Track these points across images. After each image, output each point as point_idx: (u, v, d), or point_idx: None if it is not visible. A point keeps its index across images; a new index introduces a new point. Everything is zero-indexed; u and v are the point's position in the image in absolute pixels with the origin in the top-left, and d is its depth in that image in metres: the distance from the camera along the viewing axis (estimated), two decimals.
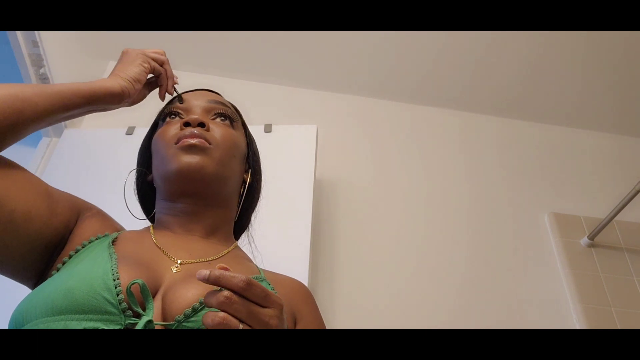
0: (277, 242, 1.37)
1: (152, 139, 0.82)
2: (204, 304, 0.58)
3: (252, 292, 0.51)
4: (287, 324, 0.57)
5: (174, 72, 0.88)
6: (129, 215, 0.83)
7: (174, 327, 0.57)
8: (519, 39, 2.02)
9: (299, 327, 0.72)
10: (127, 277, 0.60)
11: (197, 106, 0.80)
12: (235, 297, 0.50)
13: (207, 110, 0.80)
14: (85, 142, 1.82)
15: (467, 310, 1.74)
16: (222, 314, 0.50)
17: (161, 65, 0.85)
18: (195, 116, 0.77)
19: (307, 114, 2.12)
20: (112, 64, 2.16)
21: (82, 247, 0.69)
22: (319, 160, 1.72)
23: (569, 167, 2.19)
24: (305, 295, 0.78)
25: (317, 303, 0.79)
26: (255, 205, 0.88)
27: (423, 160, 2.10)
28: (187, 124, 0.75)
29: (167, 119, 0.80)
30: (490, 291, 1.79)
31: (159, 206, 0.79)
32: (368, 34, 2.02)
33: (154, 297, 0.61)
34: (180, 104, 0.81)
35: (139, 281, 0.58)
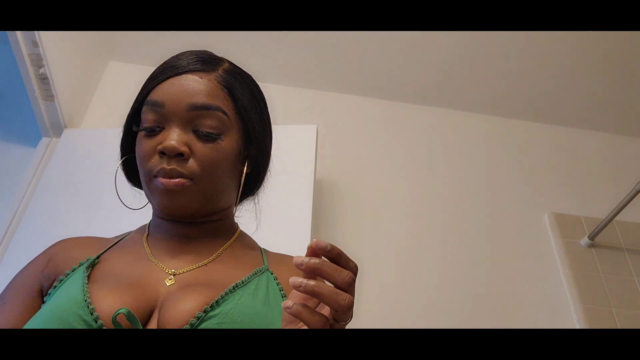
0: (276, 242, 1.37)
1: (134, 122, 0.74)
2: (200, 319, 0.58)
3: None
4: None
5: None
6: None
7: None
8: (518, 39, 2.02)
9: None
10: (106, 303, 0.59)
11: (175, 117, 0.68)
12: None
13: (188, 121, 0.68)
14: (85, 142, 1.82)
15: (467, 310, 1.74)
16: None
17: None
18: (171, 144, 0.66)
19: (307, 114, 2.12)
20: (112, 64, 2.18)
21: (60, 283, 0.67)
22: (319, 160, 1.72)
23: (569, 167, 2.19)
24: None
25: None
26: (261, 182, 0.81)
27: (423, 160, 2.10)
28: (163, 153, 0.67)
29: (144, 125, 0.70)
30: (490, 291, 1.79)
31: (152, 207, 0.76)
32: (368, 34, 2.02)
33: (151, 315, 0.61)
34: (158, 109, 0.69)
35: (123, 310, 0.57)
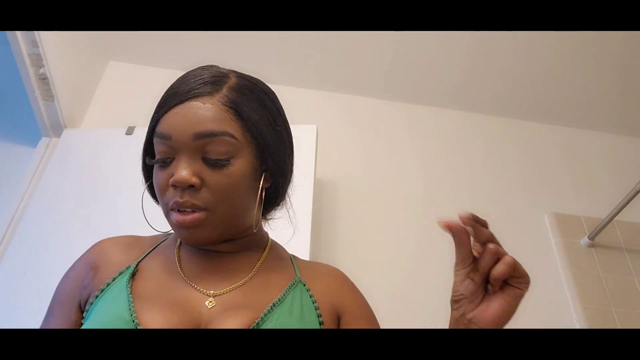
0: (277, 242, 1.37)
1: (148, 151, 0.73)
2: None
3: None
4: None
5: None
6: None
7: None
8: (518, 38, 2.02)
9: (343, 319, 0.72)
10: (154, 325, 0.59)
11: (182, 147, 0.67)
12: None
13: (196, 150, 0.67)
14: (85, 142, 1.82)
15: None
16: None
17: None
18: (181, 176, 0.65)
19: (307, 114, 2.12)
20: (112, 64, 2.18)
21: (101, 292, 0.68)
22: (319, 160, 1.72)
23: (569, 167, 2.19)
24: (346, 285, 0.78)
25: None
26: (284, 192, 0.79)
27: (423, 160, 2.10)
28: (175, 185, 0.66)
29: (157, 157, 0.70)
30: None
31: None
32: (368, 34, 2.02)
33: None
34: (166, 141, 0.68)
35: None
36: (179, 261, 0.72)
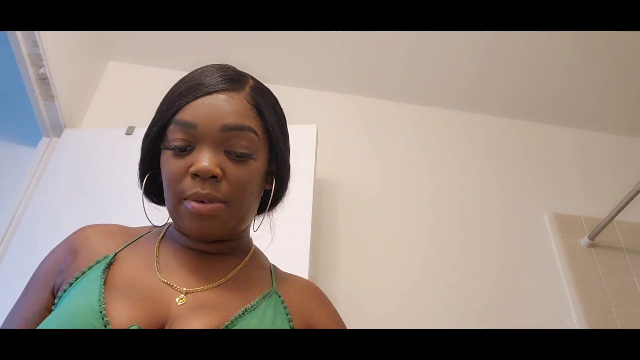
0: (276, 242, 1.37)
1: (157, 140, 0.71)
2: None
3: None
4: None
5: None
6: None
7: None
8: (520, 39, 2.02)
9: None
10: (120, 317, 0.59)
11: (207, 138, 0.67)
12: None
13: (220, 142, 0.67)
14: (85, 142, 1.82)
15: (467, 310, 1.74)
16: None
17: None
18: (206, 166, 0.65)
19: (307, 114, 2.12)
20: (112, 64, 2.18)
21: (75, 280, 0.67)
22: (319, 160, 1.72)
23: (569, 167, 2.19)
24: (320, 299, 0.77)
25: None
26: (283, 197, 0.80)
27: (423, 160, 2.10)
28: (197, 175, 0.65)
29: (173, 144, 0.68)
30: (490, 291, 1.79)
31: (171, 218, 0.73)
32: (368, 34, 2.02)
33: None
34: (189, 129, 0.67)
35: (135, 327, 0.58)
36: (157, 256, 0.71)
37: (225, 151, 0.67)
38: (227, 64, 0.75)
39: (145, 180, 0.75)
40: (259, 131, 0.70)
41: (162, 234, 0.75)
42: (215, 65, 0.74)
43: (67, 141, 1.83)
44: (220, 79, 0.70)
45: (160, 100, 0.73)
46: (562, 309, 1.78)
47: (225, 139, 0.67)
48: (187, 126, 0.67)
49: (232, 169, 0.67)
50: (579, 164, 2.20)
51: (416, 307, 1.72)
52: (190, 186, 0.66)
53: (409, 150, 2.12)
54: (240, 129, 0.67)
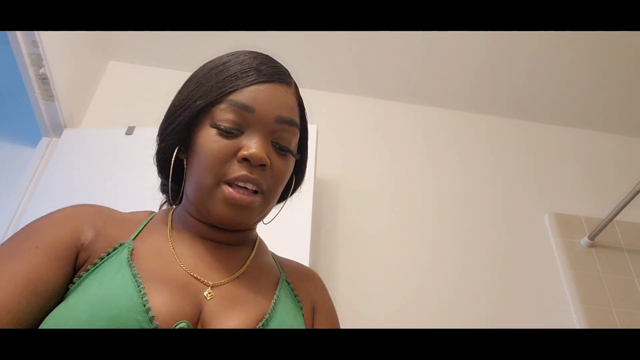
0: (276, 241, 1.37)
1: (197, 115, 0.67)
2: None
3: None
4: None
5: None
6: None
7: None
8: (521, 39, 2.02)
9: (317, 317, 0.73)
10: (165, 312, 0.56)
11: (261, 125, 0.66)
12: None
13: (271, 132, 0.66)
14: (85, 142, 1.82)
15: (467, 309, 1.74)
16: None
17: None
18: (258, 153, 0.64)
19: (307, 114, 2.12)
20: (112, 64, 2.18)
21: (94, 266, 0.62)
22: (319, 160, 1.72)
23: (569, 167, 2.19)
24: (322, 286, 0.79)
25: None
26: (294, 192, 0.81)
27: (423, 160, 2.10)
28: (245, 160, 0.64)
29: (222, 124, 0.65)
30: (490, 291, 1.79)
31: (187, 204, 0.71)
32: (368, 34, 2.02)
33: (193, 327, 0.58)
34: (245, 113, 0.65)
35: (184, 324, 0.56)
36: (173, 246, 0.67)
37: (272, 142, 0.67)
38: (264, 54, 0.75)
39: (175, 153, 0.70)
40: (299, 130, 0.71)
41: (169, 225, 0.71)
42: (257, 52, 0.73)
43: (67, 141, 1.83)
44: (275, 70, 0.70)
45: (182, 85, 0.71)
46: (562, 309, 1.78)
47: (275, 130, 0.67)
48: (244, 109, 0.65)
49: (277, 161, 0.67)
50: (579, 164, 2.21)
51: (416, 307, 1.72)
52: (236, 169, 0.64)
53: (409, 150, 2.12)
54: (291, 123, 0.68)
